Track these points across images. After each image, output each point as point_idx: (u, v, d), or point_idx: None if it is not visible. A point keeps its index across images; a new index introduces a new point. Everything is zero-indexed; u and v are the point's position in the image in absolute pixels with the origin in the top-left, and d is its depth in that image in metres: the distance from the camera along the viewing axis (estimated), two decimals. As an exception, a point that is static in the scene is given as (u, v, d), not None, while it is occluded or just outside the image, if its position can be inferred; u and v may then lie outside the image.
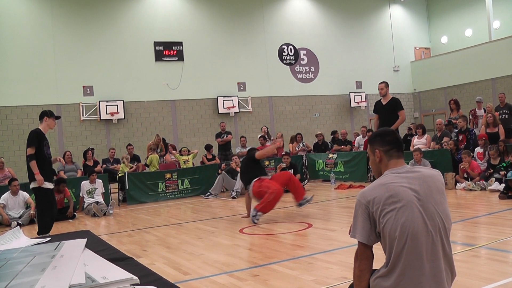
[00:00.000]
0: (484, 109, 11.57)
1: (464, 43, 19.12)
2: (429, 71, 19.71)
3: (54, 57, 14.31)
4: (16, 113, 13.77)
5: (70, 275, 2.29)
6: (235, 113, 16.56)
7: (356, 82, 19.10)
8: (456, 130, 10.61)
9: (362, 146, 12.86)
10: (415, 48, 20.94)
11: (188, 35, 16.12)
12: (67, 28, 14.53)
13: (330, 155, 12.90)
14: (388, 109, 8.28)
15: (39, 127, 6.62)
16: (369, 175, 11.39)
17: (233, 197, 10.52)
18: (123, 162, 11.39)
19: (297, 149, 13.65)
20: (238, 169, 11.13)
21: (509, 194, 7.50)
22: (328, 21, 18.77)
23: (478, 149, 9.65)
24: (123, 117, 14.93)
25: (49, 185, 6.64)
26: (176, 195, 11.47)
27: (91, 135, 14.68)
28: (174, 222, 7.74)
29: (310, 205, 8.19)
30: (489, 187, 8.51)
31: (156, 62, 15.65)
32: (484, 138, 9.67)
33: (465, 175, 9.25)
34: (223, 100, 16.34)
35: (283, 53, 17.82)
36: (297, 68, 18.02)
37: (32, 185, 6.55)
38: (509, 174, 7.74)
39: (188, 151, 12.56)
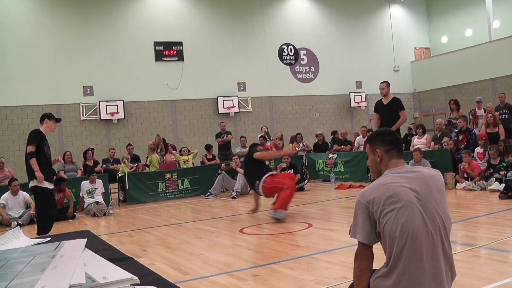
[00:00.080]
0: (484, 109, 11.57)
1: (464, 43, 19.12)
2: (429, 71, 19.71)
3: (54, 57, 14.31)
4: (16, 113, 13.77)
5: (70, 275, 2.29)
6: (235, 113, 16.56)
7: (356, 82, 19.10)
8: (456, 130, 10.61)
9: (362, 146, 12.86)
10: (415, 48, 20.95)
11: (188, 35, 16.12)
12: (67, 28, 14.53)
13: (330, 155, 12.90)
14: (389, 109, 8.25)
15: (40, 128, 6.66)
16: (369, 175, 11.39)
17: (233, 197, 10.52)
18: (124, 162, 11.38)
19: (297, 149, 13.65)
20: (238, 169, 11.15)
21: (509, 194, 7.50)
22: (328, 21, 18.77)
23: (478, 149, 9.65)
24: (123, 117, 14.93)
25: (49, 185, 6.64)
26: (176, 195, 11.47)
27: (91, 135, 14.68)
28: (174, 222, 7.74)
29: (310, 205, 8.21)
30: (489, 187, 8.50)
31: (156, 62, 15.66)
32: (484, 138, 9.67)
33: (465, 175, 9.25)
34: (223, 100, 16.34)
35: (283, 53, 17.82)
36: (297, 68, 18.02)
37: (30, 184, 6.55)
38: (509, 174, 7.74)
39: (188, 151, 12.56)
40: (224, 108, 16.30)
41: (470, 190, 8.78)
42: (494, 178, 8.57)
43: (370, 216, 2.18)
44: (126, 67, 15.17)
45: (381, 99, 8.51)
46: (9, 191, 8.86)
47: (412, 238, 2.09)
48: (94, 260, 2.79)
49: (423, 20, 21.26)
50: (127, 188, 10.87)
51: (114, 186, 11.47)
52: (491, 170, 8.79)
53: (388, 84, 8.45)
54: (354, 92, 18.82)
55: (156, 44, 15.64)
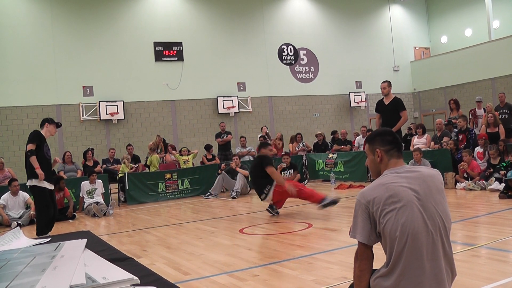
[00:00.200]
0: (484, 109, 11.57)
1: (464, 43, 19.12)
2: (429, 71, 19.72)
3: (54, 57, 14.31)
4: (16, 114, 13.77)
5: (71, 276, 2.29)
6: (235, 113, 16.57)
7: (356, 82, 19.11)
8: (456, 130, 10.62)
9: (362, 146, 12.86)
10: (415, 48, 20.95)
11: (188, 35, 16.12)
12: (67, 28, 14.53)
13: (330, 155, 12.90)
14: (390, 109, 8.20)
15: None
16: (368, 175, 11.39)
17: (233, 197, 10.52)
18: (124, 163, 11.38)
19: (297, 149, 13.66)
20: (238, 169, 11.15)
21: (509, 193, 7.51)
22: (328, 21, 18.78)
23: (478, 149, 9.66)
24: (123, 117, 14.93)
25: (49, 186, 6.64)
26: (176, 195, 11.47)
27: (91, 136, 14.68)
28: (174, 222, 7.74)
29: (310, 205, 8.20)
30: (489, 187, 8.51)
31: (156, 62, 15.66)
32: (484, 137, 9.68)
33: (465, 175, 9.25)
34: (223, 100, 16.34)
35: (283, 53, 17.82)
36: (297, 68, 18.03)
37: (29, 183, 6.55)
38: (509, 174, 7.74)
39: (188, 151, 12.56)
40: (224, 108, 16.31)
41: (470, 189, 8.79)
42: (494, 178, 8.58)
43: (370, 216, 2.18)
44: (126, 67, 15.17)
45: (382, 98, 8.46)
46: (9, 191, 8.86)
47: (412, 238, 2.09)
48: (94, 260, 2.79)
49: (423, 20, 21.26)
50: (127, 188, 10.87)
51: (114, 187, 11.47)
52: (491, 170, 8.80)
53: (389, 83, 8.41)
54: (354, 92, 18.82)
55: (156, 44, 15.64)
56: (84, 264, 2.57)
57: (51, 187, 6.71)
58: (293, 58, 17.97)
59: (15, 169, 11.44)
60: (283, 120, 17.61)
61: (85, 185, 9.72)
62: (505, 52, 16.58)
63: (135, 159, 12.15)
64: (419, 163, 9.21)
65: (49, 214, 6.63)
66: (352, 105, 18.73)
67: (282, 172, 10.85)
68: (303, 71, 18.14)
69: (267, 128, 14.53)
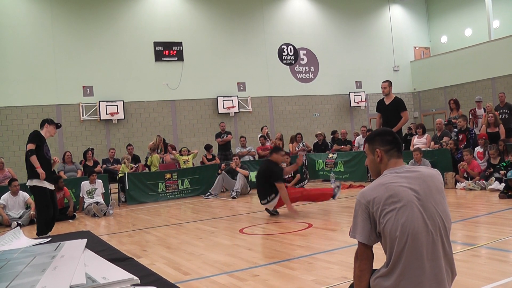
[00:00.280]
0: (484, 109, 11.57)
1: (464, 42, 19.13)
2: (429, 70, 19.72)
3: (54, 57, 14.31)
4: (16, 114, 13.77)
5: (71, 276, 2.29)
6: (235, 113, 16.57)
7: (356, 82, 19.11)
8: (456, 130, 10.62)
9: (362, 146, 12.86)
10: (415, 47, 20.95)
11: (188, 35, 16.13)
12: (67, 28, 14.53)
13: (330, 155, 12.90)
14: (391, 109, 8.18)
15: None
16: (368, 175, 11.39)
17: (233, 197, 10.52)
18: (124, 163, 11.37)
19: (297, 149, 13.65)
20: (238, 169, 11.15)
21: (509, 193, 7.51)
22: (328, 21, 18.78)
23: (478, 149, 9.66)
24: (123, 117, 14.93)
25: (49, 186, 6.64)
26: (176, 195, 11.47)
27: (91, 136, 14.68)
28: (174, 222, 7.74)
29: (310, 205, 8.21)
30: (489, 187, 8.51)
31: (156, 62, 15.66)
32: (484, 137, 9.68)
33: (465, 175, 9.25)
34: (223, 100, 16.34)
35: (283, 53, 17.82)
36: (297, 68, 18.03)
37: (28, 183, 6.55)
38: (509, 174, 7.74)
39: (188, 151, 12.56)
40: (224, 108, 16.31)
41: (470, 189, 8.79)
42: (494, 178, 8.58)
43: (370, 216, 2.18)
44: (126, 67, 15.17)
45: (383, 98, 8.43)
46: (9, 191, 8.86)
47: (413, 238, 2.09)
48: (94, 260, 2.79)
49: (423, 19, 21.26)
50: (127, 188, 10.87)
51: (114, 187, 11.47)
52: (491, 170, 8.80)
53: (390, 83, 8.39)
54: (354, 92, 18.82)
55: (156, 44, 15.64)
56: (84, 264, 2.58)
57: (51, 187, 6.71)
58: (293, 58, 17.97)
59: (15, 169, 11.44)
60: (283, 120, 17.61)
61: (85, 185, 9.72)
62: (505, 52, 16.58)
63: (135, 159, 12.15)
64: (419, 163, 9.21)
65: (49, 214, 6.63)
66: (352, 105, 18.73)
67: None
68: (303, 71, 18.14)
69: (267, 128, 14.51)
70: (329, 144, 14.22)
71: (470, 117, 11.85)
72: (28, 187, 6.69)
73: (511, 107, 11.11)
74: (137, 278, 2.31)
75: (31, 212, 8.73)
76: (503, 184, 8.01)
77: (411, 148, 10.28)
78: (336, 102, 18.74)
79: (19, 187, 8.97)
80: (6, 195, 8.85)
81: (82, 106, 14.58)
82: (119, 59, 15.09)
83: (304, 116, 18.01)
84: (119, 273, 2.37)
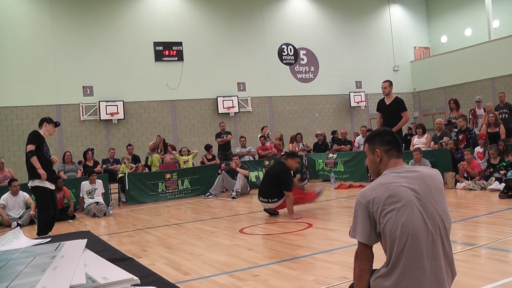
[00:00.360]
0: (484, 109, 11.57)
1: (464, 42, 19.13)
2: (428, 70, 19.72)
3: (54, 57, 14.31)
4: (16, 114, 13.77)
5: (71, 276, 2.29)
6: (235, 113, 16.57)
7: (356, 82, 19.11)
8: (456, 130, 10.62)
9: (362, 146, 12.86)
10: (415, 47, 20.95)
11: (188, 35, 16.13)
12: (67, 28, 14.53)
13: (330, 155, 12.90)
14: (391, 109, 8.17)
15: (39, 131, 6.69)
16: (368, 175, 11.39)
17: (233, 197, 10.52)
18: (124, 163, 11.37)
19: (297, 149, 13.65)
20: (238, 169, 11.15)
21: (509, 193, 7.51)
22: (328, 21, 18.78)
23: (478, 149, 9.66)
24: (123, 117, 14.93)
25: (50, 186, 6.64)
26: (176, 195, 11.47)
27: (91, 136, 14.68)
28: (174, 222, 7.74)
29: (310, 205, 8.22)
30: (489, 187, 8.51)
31: (156, 62, 15.66)
32: (484, 137, 9.68)
33: (465, 175, 9.26)
34: (223, 100, 16.34)
35: (283, 53, 17.82)
36: (296, 68, 18.03)
37: (30, 184, 6.55)
38: (509, 174, 7.74)
39: (188, 151, 12.56)
40: (224, 108, 16.31)
41: (470, 189, 8.79)
42: (494, 178, 8.58)
43: (370, 216, 2.18)
44: (126, 67, 15.17)
45: (383, 98, 8.43)
46: (9, 191, 8.86)
47: (412, 238, 2.09)
48: (94, 260, 2.79)
49: (423, 19, 21.27)
50: (127, 188, 10.87)
51: (114, 187, 11.47)
52: (491, 170, 8.80)
53: (390, 83, 8.38)
54: (354, 92, 18.83)
55: (156, 44, 15.64)
56: (84, 264, 2.58)
57: (52, 186, 6.72)
58: (293, 58, 17.98)
59: (15, 169, 11.44)
60: (283, 120, 17.61)
61: (85, 185, 9.72)
62: (505, 52, 16.58)
63: (135, 159, 12.15)
64: (419, 163, 9.21)
65: (49, 214, 6.64)
66: (352, 105, 18.73)
67: None
68: (303, 71, 18.14)
69: (268, 129, 14.50)
70: (329, 144, 14.23)
71: (470, 117, 11.85)
72: (30, 187, 6.68)
73: (511, 107, 11.11)
74: (137, 278, 2.31)
75: (31, 212, 8.73)
76: (503, 184, 8.01)
77: (411, 148, 10.28)
78: (336, 102, 18.74)
79: (19, 187, 8.97)
80: (6, 195, 8.85)
81: (82, 106, 14.58)
82: (119, 59, 15.09)
83: (304, 116, 18.01)
84: (119, 273, 2.37)
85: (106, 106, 14.68)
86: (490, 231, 5.41)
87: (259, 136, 13.95)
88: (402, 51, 20.36)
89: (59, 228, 7.64)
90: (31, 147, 6.44)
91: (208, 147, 12.87)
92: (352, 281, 2.29)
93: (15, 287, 2.21)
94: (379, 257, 2.30)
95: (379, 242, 2.22)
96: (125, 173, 10.98)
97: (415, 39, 20.97)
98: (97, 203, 9.38)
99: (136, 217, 8.79)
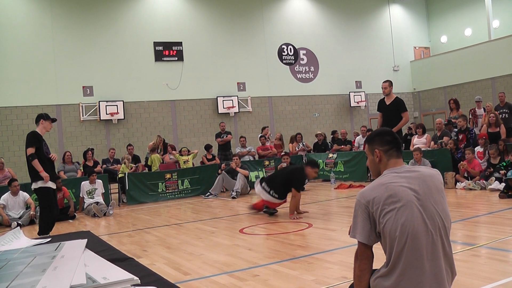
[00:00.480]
0: (484, 108, 11.57)
1: (464, 42, 19.13)
2: (428, 70, 19.72)
3: (54, 57, 14.31)
4: (16, 114, 13.77)
5: (71, 276, 2.29)
6: (235, 113, 16.57)
7: (356, 81, 19.11)
8: (456, 130, 10.62)
9: (362, 146, 12.86)
10: (415, 47, 20.95)
11: (188, 35, 16.13)
12: (67, 28, 14.53)
13: (330, 155, 12.90)
14: (391, 109, 8.16)
15: (36, 130, 6.63)
16: (369, 174, 11.39)
17: (233, 197, 10.52)
18: (124, 163, 11.37)
19: (297, 149, 13.65)
20: (238, 169, 11.14)
21: (509, 193, 7.51)
22: (328, 21, 18.78)
23: (478, 148, 9.66)
24: (123, 117, 14.93)
25: (52, 185, 6.64)
26: (176, 195, 11.47)
27: (91, 136, 14.68)
28: (174, 222, 7.74)
29: (310, 205, 8.22)
30: (489, 186, 8.51)
31: (156, 62, 15.66)
32: (484, 137, 9.68)
33: (465, 174, 9.26)
34: (223, 100, 16.34)
35: (283, 53, 17.82)
36: (296, 68, 18.03)
37: (34, 186, 6.53)
38: (509, 173, 7.75)
39: (188, 151, 12.56)
40: (224, 108, 16.31)
41: (470, 189, 8.79)
42: (494, 177, 8.58)
43: (369, 216, 2.18)
44: (126, 67, 15.18)
45: (384, 98, 8.43)
46: (9, 191, 8.86)
47: (412, 238, 2.09)
48: (94, 260, 2.80)
49: (423, 19, 21.27)
50: (127, 188, 10.87)
51: (114, 187, 11.47)
52: (491, 169, 8.80)
53: (390, 83, 8.37)
54: (354, 92, 18.83)
55: (156, 44, 15.64)
56: (85, 264, 2.58)
57: (54, 186, 6.72)
58: (293, 58, 17.98)
59: (15, 169, 11.44)
60: (283, 120, 17.61)
61: (85, 185, 9.71)
62: (505, 51, 16.58)
63: (135, 159, 12.15)
64: (419, 162, 9.21)
65: (53, 213, 6.64)
66: (352, 105, 18.73)
67: None
68: (303, 71, 18.14)
69: (269, 129, 14.48)
70: (329, 144, 14.22)
71: (470, 117, 11.85)
72: (33, 189, 6.66)
73: (511, 107, 11.11)
74: (137, 278, 2.31)
75: (31, 212, 8.73)
76: (503, 184, 8.02)
77: (411, 148, 10.28)
78: (336, 102, 18.74)
79: (19, 187, 8.97)
80: (6, 195, 8.85)
81: (82, 106, 14.58)
82: (119, 59, 15.09)
83: (304, 116, 18.01)
84: (119, 273, 2.37)
85: (106, 106, 14.68)
86: (490, 231, 5.41)
87: (259, 136, 13.95)
88: (402, 51, 20.36)
89: (59, 228, 7.63)
90: (31, 150, 6.39)
91: (208, 147, 12.87)
92: (352, 281, 2.30)
93: (15, 287, 2.21)
94: (379, 257, 2.30)
95: (379, 242, 2.22)
96: (125, 173, 10.98)
97: (415, 39, 20.97)
98: (97, 203, 9.38)
99: (136, 217, 8.79)
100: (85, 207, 9.62)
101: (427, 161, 9.36)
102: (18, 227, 7.23)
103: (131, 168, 11.39)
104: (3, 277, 2.41)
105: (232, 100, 16.44)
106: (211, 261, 4.77)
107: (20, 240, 3.67)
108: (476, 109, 12.00)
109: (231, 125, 16.25)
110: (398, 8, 20.49)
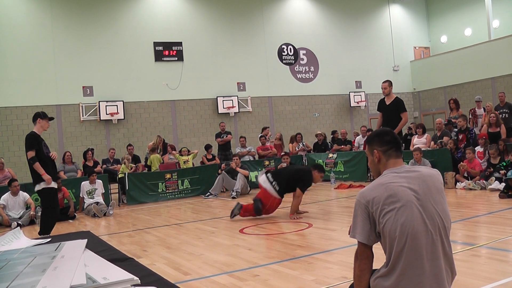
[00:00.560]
0: (484, 108, 11.58)
1: (464, 42, 19.13)
2: (428, 70, 19.72)
3: (54, 57, 14.31)
4: (16, 114, 13.78)
5: (71, 276, 2.29)
6: (234, 113, 16.57)
7: (356, 81, 19.11)
8: (456, 130, 10.62)
9: (362, 146, 12.86)
10: (415, 47, 20.96)
11: (188, 35, 16.13)
12: (67, 28, 14.53)
13: (330, 155, 12.90)
14: (391, 109, 8.15)
15: (34, 130, 6.58)
16: (369, 174, 11.40)
17: (233, 197, 10.52)
18: (124, 163, 11.37)
19: (297, 149, 13.66)
20: (238, 169, 11.14)
21: (509, 193, 7.51)
22: (328, 21, 18.78)
23: (478, 148, 9.66)
24: (123, 118, 14.93)
25: (54, 185, 6.64)
26: (176, 195, 11.47)
27: (91, 136, 14.68)
28: (174, 222, 7.74)
29: (310, 205, 8.22)
30: (489, 186, 8.51)
31: (156, 62, 15.66)
32: (484, 137, 9.68)
33: (465, 174, 9.26)
34: (223, 100, 16.34)
35: (283, 53, 17.82)
36: (296, 68, 18.03)
37: (37, 188, 6.51)
38: (509, 173, 7.75)
39: (188, 151, 12.56)
40: (224, 108, 16.31)
41: (470, 189, 8.79)
42: (494, 177, 8.58)
43: (369, 216, 2.18)
44: (126, 67, 15.18)
45: (384, 98, 8.42)
46: (9, 191, 8.86)
47: (412, 238, 2.09)
48: (94, 260, 2.80)
49: (423, 19, 21.27)
50: (127, 188, 10.87)
51: (114, 187, 11.47)
52: (491, 169, 8.80)
53: (390, 83, 8.36)
54: (354, 92, 18.83)
55: (156, 44, 15.64)
56: (85, 265, 2.58)
57: (56, 185, 6.72)
58: (293, 58, 17.98)
59: (15, 169, 11.44)
60: (283, 120, 17.61)
61: (85, 185, 9.71)
62: (505, 51, 16.58)
63: (135, 159, 12.15)
64: (419, 162, 9.21)
65: (57, 213, 6.64)
66: (352, 105, 18.74)
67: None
68: (303, 71, 18.15)
69: (269, 130, 14.48)
70: (329, 144, 14.22)
71: (470, 117, 11.85)
72: (36, 191, 6.65)
73: (511, 107, 11.11)
74: (137, 278, 2.31)
75: (31, 212, 8.73)
76: (503, 184, 8.02)
77: (411, 148, 10.28)
78: (336, 102, 18.74)
79: (19, 187, 8.97)
80: (6, 195, 8.85)
81: (82, 106, 14.58)
82: (119, 59, 15.09)
83: (304, 116, 18.01)
84: (119, 273, 2.37)
85: (106, 106, 14.68)
86: (490, 231, 5.41)
87: (259, 136, 13.95)
88: (402, 51, 20.36)
89: (59, 228, 7.63)
90: (31, 154, 6.35)
91: (208, 147, 12.87)
92: (352, 281, 2.30)
93: (15, 287, 2.21)
94: (379, 257, 2.30)
95: (379, 242, 2.22)
96: (125, 173, 10.98)
97: (415, 39, 20.97)
98: (97, 203, 9.38)
99: (136, 217, 8.79)
100: (85, 207, 9.62)
101: (427, 161, 9.36)
102: (18, 227, 7.23)
103: (131, 168, 11.38)
104: (3, 277, 2.41)
105: (232, 100, 16.45)
106: (211, 261, 4.77)
107: (20, 240, 3.67)
108: (476, 109, 12.00)
109: (231, 125, 16.25)
110: (398, 8, 20.49)
